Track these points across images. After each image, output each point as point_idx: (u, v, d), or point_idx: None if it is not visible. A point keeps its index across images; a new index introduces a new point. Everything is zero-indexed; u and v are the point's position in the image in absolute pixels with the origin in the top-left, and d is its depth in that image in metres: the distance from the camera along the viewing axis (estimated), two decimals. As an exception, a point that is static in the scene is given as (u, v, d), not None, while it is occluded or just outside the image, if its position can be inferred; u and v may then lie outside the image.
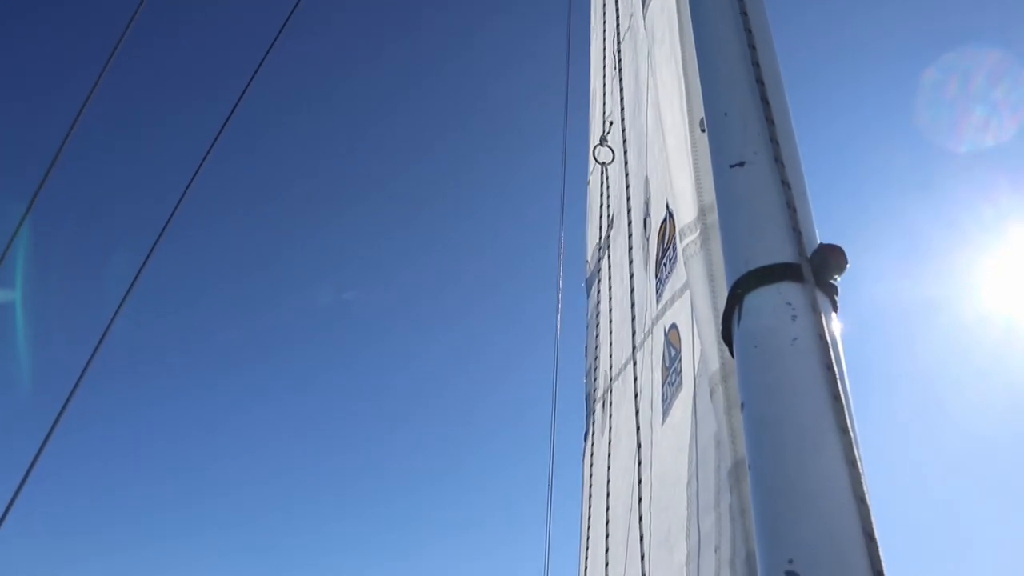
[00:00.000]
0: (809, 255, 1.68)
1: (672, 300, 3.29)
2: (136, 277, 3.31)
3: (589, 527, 4.18)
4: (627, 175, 4.05)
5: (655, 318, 3.52)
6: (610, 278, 4.51)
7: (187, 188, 3.53)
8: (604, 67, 4.97)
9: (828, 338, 1.58)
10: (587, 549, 4.15)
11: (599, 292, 4.67)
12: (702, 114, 2.07)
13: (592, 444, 4.45)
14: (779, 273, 1.67)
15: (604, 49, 5.00)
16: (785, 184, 1.75)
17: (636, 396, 3.23)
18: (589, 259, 5.50)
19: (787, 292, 1.65)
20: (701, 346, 2.52)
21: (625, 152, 4.03)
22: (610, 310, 4.43)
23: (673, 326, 3.26)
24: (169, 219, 3.45)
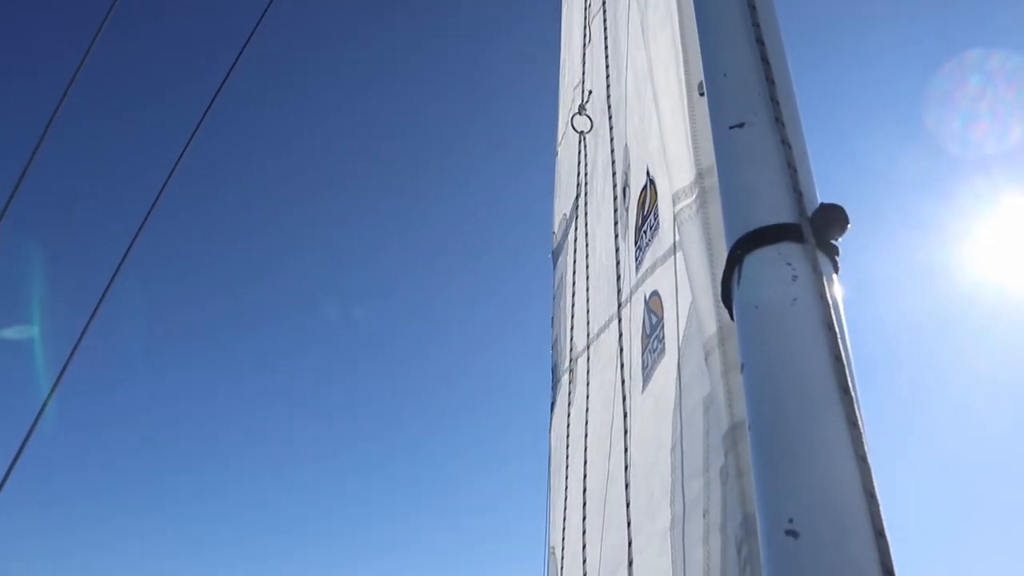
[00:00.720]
0: (810, 215, 1.67)
1: (653, 267, 3.28)
2: (116, 271, 3.24)
3: (566, 497, 4.18)
4: (610, 142, 4.02)
5: (634, 286, 3.51)
6: (587, 246, 4.49)
7: (168, 180, 3.46)
8: (587, 35, 4.92)
9: (829, 298, 1.58)
10: (564, 520, 4.15)
11: (575, 262, 4.65)
12: (700, 78, 2.06)
13: (568, 415, 4.44)
14: (779, 233, 1.66)
15: (587, 17, 4.95)
16: (785, 144, 1.73)
17: (622, 366, 3.22)
18: (556, 230, 5.47)
19: (787, 252, 1.64)
20: (696, 310, 2.52)
21: (611, 118, 4.00)
22: (587, 277, 4.41)
23: (655, 293, 3.25)
24: (148, 214, 3.38)
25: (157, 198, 3.46)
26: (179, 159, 3.55)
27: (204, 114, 3.69)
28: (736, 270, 1.69)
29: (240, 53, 3.85)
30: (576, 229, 4.79)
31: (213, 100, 3.74)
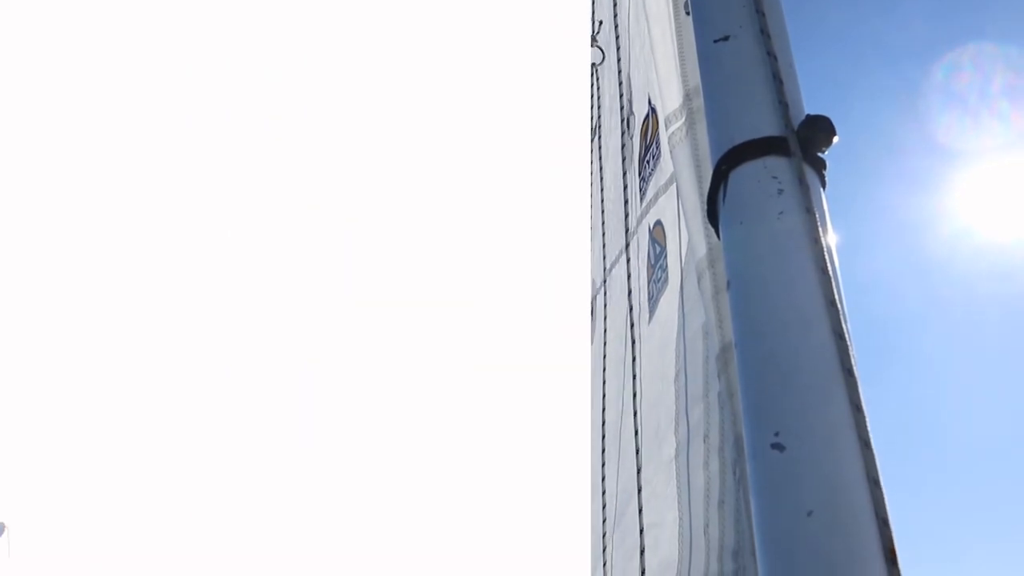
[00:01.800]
0: (796, 127, 1.63)
1: (656, 197, 3.24)
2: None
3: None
4: (617, 72, 3.97)
5: (639, 217, 3.48)
6: (602, 180, 4.44)
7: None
8: None
9: (815, 211, 1.55)
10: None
11: (591, 195, 4.59)
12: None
13: (591, 351, 4.43)
14: (765, 147, 1.62)
15: None
16: (771, 56, 1.69)
17: (630, 293, 3.21)
18: None
19: (773, 166, 1.61)
20: (690, 234, 2.49)
21: (618, 49, 3.93)
22: (603, 212, 4.37)
23: (658, 223, 3.22)
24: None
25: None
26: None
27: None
28: (722, 187, 1.66)
29: None
30: (592, 164, 4.72)
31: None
